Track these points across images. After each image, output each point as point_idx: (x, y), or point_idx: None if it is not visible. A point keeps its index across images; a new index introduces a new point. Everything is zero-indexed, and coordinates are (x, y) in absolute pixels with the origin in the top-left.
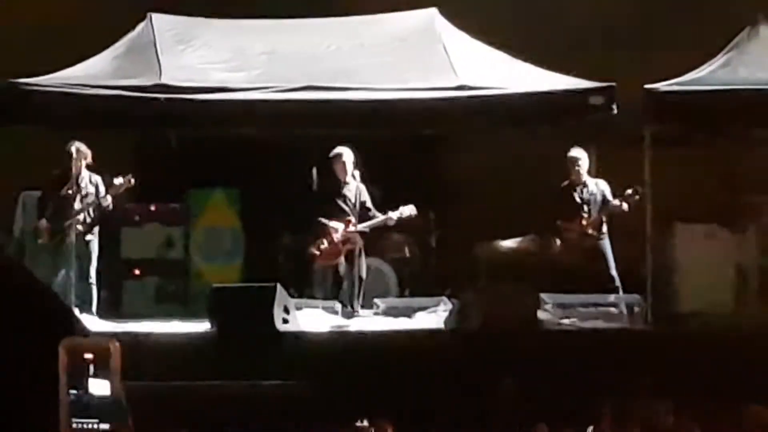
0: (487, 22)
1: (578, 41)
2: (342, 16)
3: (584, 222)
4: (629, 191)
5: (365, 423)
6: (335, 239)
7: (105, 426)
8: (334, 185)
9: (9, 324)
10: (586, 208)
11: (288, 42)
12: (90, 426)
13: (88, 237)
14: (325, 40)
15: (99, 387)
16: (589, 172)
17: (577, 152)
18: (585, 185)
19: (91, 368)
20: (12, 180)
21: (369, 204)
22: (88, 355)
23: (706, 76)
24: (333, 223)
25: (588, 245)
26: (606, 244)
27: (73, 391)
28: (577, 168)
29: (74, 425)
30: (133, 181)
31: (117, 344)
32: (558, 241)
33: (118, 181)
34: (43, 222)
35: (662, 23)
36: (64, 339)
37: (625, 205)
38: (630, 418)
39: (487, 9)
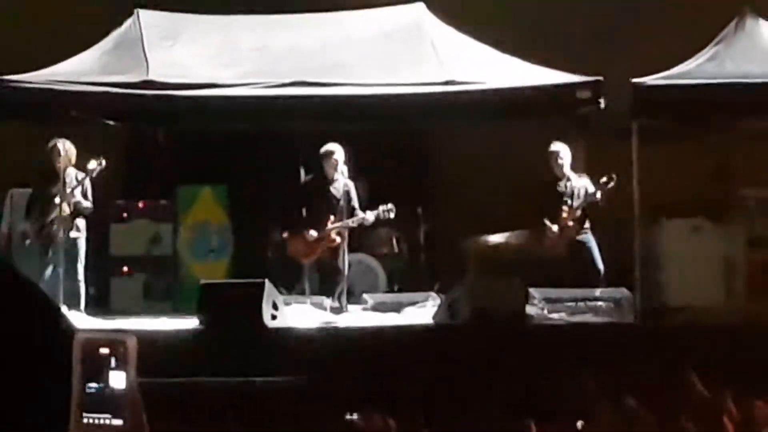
0: (474, 17)
1: (564, 35)
2: (329, 11)
3: (565, 215)
4: (604, 179)
5: (355, 417)
6: (311, 238)
7: (118, 422)
8: (322, 181)
9: None
10: (568, 201)
11: (276, 37)
12: (102, 421)
13: (74, 234)
14: (313, 35)
15: (117, 380)
16: (576, 167)
17: (557, 146)
18: (568, 179)
19: (112, 362)
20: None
21: (355, 202)
22: (105, 350)
23: (693, 69)
24: (312, 232)
25: (572, 239)
26: (589, 237)
27: (92, 384)
28: (559, 162)
29: (86, 420)
30: (104, 163)
31: (134, 339)
32: (544, 236)
33: (91, 165)
34: (29, 222)
35: (648, 16)
36: (78, 332)
37: (599, 194)
38: (619, 413)
39: (473, 3)
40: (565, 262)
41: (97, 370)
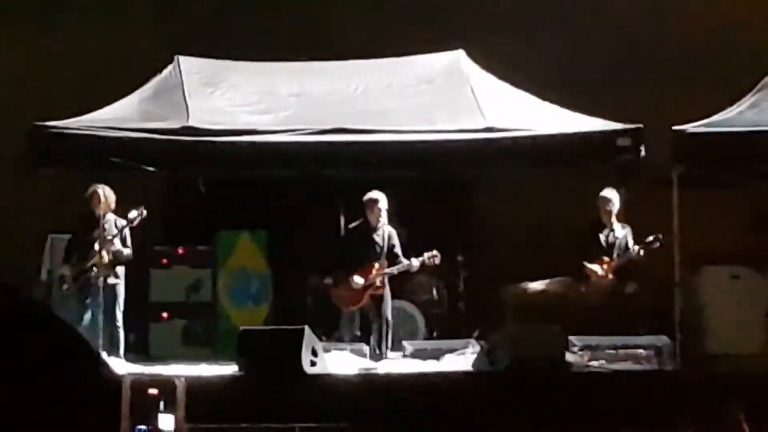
0: (513, 65)
1: (605, 82)
2: (369, 58)
3: (606, 266)
4: (650, 238)
5: None
6: (357, 285)
7: None
8: (365, 228)
9: (36, 367)
10: (610, 251)
11: (316, 84)
12: None
13: (113, 281)
14: (353, 82)
15: (166, 422)
16: (618, 216)
17: (609, 192)
18: (612, 228)
19: (161, 404)
20: (40, 223)
21: (398, 249)
22: (153, 391)
23: (733, 117)
24: (357, 278)
25: (610, 289)
26: (628, 287)
27: (141, 427)
28: (608, 209)
29: None
30: (145, 212)
31: (183, 380)
32: (584, 284)
33: (132, 214)
34: (67, 267)
35: (689, 64)
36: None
37: (642, 252)
38: None
39: (513, 50)
40: (604, 309)
41: (146, 411)
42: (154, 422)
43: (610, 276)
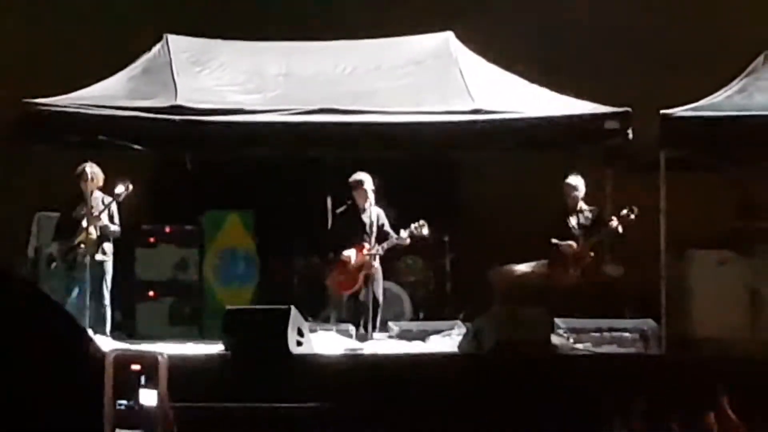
0: (501, 47)
1: (592, 66)
2: (357, 39)
3: (577, 247)
4: (624, 211)
5: None
6: (351, 267)
7: None
8: (353, 210)
9: (22, 345)
10: (581, 233)
11: (304, 64)
12: None
13: (101, 258)
14: (341, 63)
15: (148, 398)
16: (602, 198)
17: (574, 179)
18: (580, 211)
19: (142, 379)
20: (27, 200)
21: (387, 227)
22: (136, 366)
23: (721, 101)
24: (347, 252)
25: (597, 272)
26: (615, 271)
27: (123, 402)
28: (573, 195)
29: None
30: (131, 187)
31: (166, 356)
32: (568, 266)
33: (119, 189)
34: (55, 245)
35: (677, 48)
36: (111, 350)
37: (620, 227)
38: None
39: (502, 33)
40: (590, 293)
41: (128, 387)
42: (137, 397)
43: (591, 254)
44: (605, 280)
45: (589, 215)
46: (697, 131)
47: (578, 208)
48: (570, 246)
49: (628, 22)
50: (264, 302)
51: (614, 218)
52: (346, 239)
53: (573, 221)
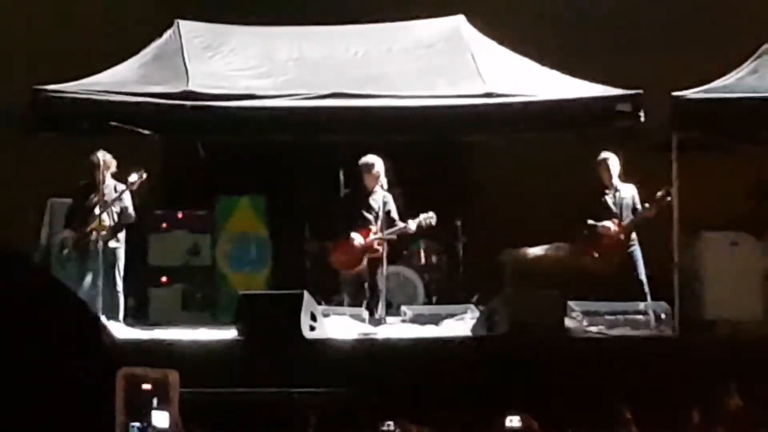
0: (513, 30)
1: (604, 48)
2: (368, 23)
3: (617, 228)
4: (660, 193)
5: (391, 426)
6: (355, 247)
7: None
8: (361, 193)
9: (35, 332)
10: (617, 212)
11: (316, 48)
12: None
13: (114, 244)
14: (352, 47)
15: (160, 419)
16: (619, 177)
17: (607, 154)
18: (616, 189)
19: (155, 401)
20: (39, 187)
21: (394, 213)
22: (147, 386)
23: (733, 83)
24: (353, 234)
25: (619, 252)
26: (637, 251)
27: (135, 424)
28: (608, 170)
29: None
30: (145, 175)
31: (176, 374)
32: (587, 248)
33: (132, 177)
34: (68, 231)
35: (689, 29)
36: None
37: (654, 209)
38: (656, 425)
39: (513, 16)
40: (606, 274)
41: (141, 408)
42: (149, 419)
43: (622, 237)
44: (623, 261)
45: (627, 194)
46: (710, 113)
47: (613, 185)
48: (606, 227)
49: (640, 3)
50: (276, 287)
51: (648, 203)
52: (352, 221)
53: (609, 200)
